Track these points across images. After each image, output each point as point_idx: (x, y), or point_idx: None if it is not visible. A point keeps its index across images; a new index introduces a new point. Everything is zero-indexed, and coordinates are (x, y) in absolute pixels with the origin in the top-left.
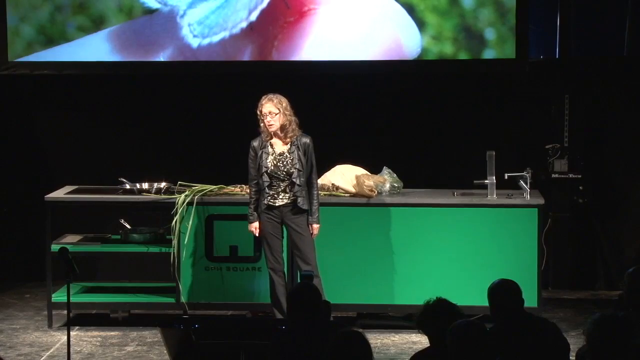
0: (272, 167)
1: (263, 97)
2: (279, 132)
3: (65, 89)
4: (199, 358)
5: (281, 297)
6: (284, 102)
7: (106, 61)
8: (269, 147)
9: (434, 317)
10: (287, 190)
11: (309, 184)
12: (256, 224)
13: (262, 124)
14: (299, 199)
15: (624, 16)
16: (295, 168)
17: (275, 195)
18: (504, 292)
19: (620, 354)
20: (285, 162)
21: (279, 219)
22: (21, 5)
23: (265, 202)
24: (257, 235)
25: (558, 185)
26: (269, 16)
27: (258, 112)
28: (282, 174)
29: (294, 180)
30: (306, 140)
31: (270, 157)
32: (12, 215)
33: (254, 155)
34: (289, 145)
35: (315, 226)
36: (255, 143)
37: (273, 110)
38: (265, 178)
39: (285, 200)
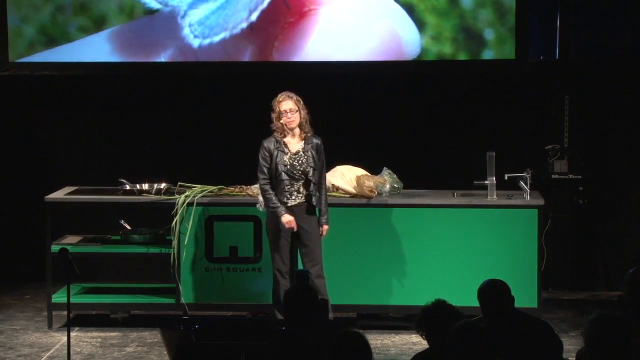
0: (289, 167)
1: (280, 95)
2: (296, 129)
3: (65, 90)
4: (199, 359)
5: None
6: (300, 99)
7: (107, 62)
8: (284, 146)
9: (433, 319)
10: (301, 190)
11: (319, 185)
12: (289, 217)
13: (277, 122)
14: (314, 198)
15: (624, 17)
16: (311, 167)
17: (288, 196)
18: (492, 292)
19: (618, 354)
20: (301, 161)
21: None
22: (22, 6)
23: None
24: (295, 228)
25: (558, 186)
26: (270, 17)
27: (275, 110)
28: (298, 172)
29: (310, 178)
30: (317, 141)
31: (286, 157)
32: (12, 215)
33: (268, 155)
34: (303, 144)
35: (325, 227)
36: (269, 144)
37: (293, 108)
38: (284, 177)
39: (298, 200)
